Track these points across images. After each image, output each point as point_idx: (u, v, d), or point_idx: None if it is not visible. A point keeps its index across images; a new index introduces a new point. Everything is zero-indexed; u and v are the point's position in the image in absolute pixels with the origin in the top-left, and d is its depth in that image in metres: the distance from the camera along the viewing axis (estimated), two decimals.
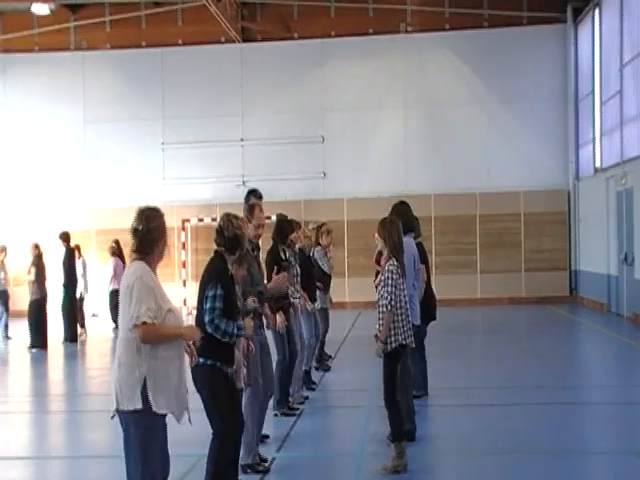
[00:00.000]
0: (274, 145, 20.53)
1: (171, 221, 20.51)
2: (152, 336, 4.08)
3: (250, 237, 7.07)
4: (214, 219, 19.53)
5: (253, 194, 7.40)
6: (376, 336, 6.02)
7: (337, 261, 18.19)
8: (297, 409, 8.41)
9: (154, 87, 20.99)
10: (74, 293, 14.71)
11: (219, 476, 4.98)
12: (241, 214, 6.98)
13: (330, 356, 11.50)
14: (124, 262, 14.85)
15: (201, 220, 20.08)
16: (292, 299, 8.45)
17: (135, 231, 4.22)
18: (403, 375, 6.52)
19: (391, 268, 6.00)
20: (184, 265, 20.06)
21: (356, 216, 19.61)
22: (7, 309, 15.40)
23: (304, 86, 20.64)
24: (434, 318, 8.69)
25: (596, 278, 17.91)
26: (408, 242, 7.00)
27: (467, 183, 19.95)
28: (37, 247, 14.31)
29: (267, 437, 7.15)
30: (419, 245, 7.98)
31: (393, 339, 6.01)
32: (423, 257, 7.97)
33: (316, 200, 20.12)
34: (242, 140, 20.81)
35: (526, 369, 10.76)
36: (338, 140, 20.48)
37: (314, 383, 9.73)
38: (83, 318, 15.60)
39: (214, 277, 5.09)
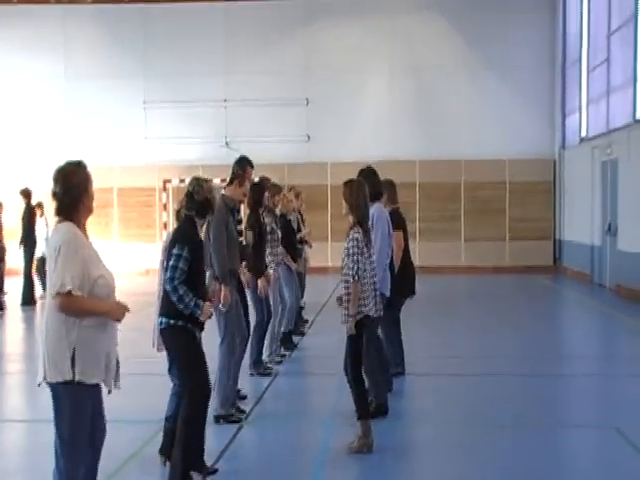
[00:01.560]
0: (258, 107, 20.20)
1: (152, 181, 20.26)
2: (71, 308, 3.86)
3: (238, 200, 7.01)
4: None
5: (247, 162, 7.11)
6: (339, 299, 5.64)
7: (320, 225, 18.07)
8: (272, 369, 8.42)
9: (136, 44, 20.54)
10: (32, 253, 14.07)
11: (190, 433, 4.98)
12: (224, 175, 6.88)
13: (306, 321, 11.46)
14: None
15: (183, 181, 19.71)
16: (270, 264, 8.50)
17: (55, 194, 3.98)
18: (371, 347, 6.23)
19: (356, 236, 5.60)
20: (165, 226, 19.80)
21: (340, 180, 18.94)
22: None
23: (289, 47, 20.29)
24: (413, 292, 8.04)
25: (580, 248, 17.88)
26: (379, 208, 6.73)
27: (453, 150, 19.77)
28: None
29: (245, 397, 7.21)
30: (395, 211, 7.67)
31: (362, 308, 5.61)
32: (398, 224, 7.50)
33: (300, 164, 19.87)
34: (225, 100, 20.45)
35: (507, 339, 10.65)
36: (323, 103, 20.18)
37: (295, 345, 9.76)
38: (44, 280, 15.01)
39: (182, 238, 5.05)
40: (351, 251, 5.57)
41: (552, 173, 19.97)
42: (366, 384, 6.04)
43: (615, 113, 15.88)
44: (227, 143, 20.06)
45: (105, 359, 3.97)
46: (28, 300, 13.96)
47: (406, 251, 7.83)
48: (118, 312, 4.00)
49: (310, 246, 11.41)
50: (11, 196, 16.17)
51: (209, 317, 5.13)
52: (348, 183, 5.83)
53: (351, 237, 5.63)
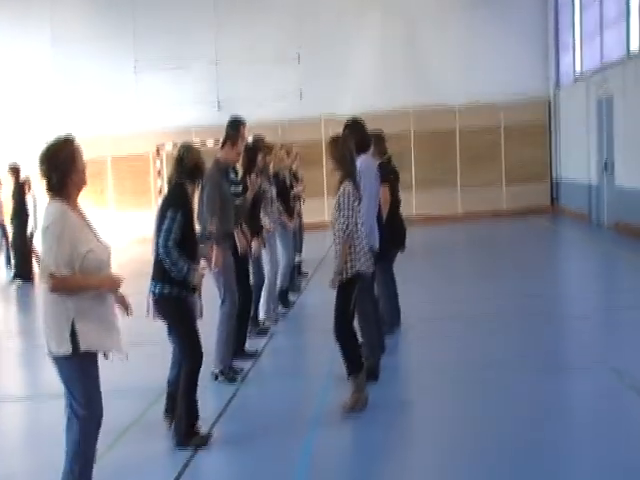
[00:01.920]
0: (249, 65, 19.97)
1: (146, 147, 20.14)
2: (60, 288, 3.92)
3: (232, 161, 7.02)
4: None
5: (239, 122, 7.10)
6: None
7: (315, 181, 17.98)
8: (268, 328, 8.48)
9: (125, 7, 20.17)
10: (24, 229, 13.99)
11: (190, 396, 5.14)
12: (217, 137, 6.89)
13: (306, 274, 11.59)
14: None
15: (176, 145, 19.63)
16: (265, 224, 8.49)
17: (42, 173, 3.98)
18: (365, 305, 6.14)
19: (347, 189, 5.54)
20: (160, 192, 19.75)
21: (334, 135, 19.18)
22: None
23: (278, 3, 19.95)
24: (403, 245, 7.94)
25: (577, 188, 17.82)
26: (366, 160, 6.58)
27: (446, 97, 19.56)
28: None
29: (254, 354, 7.43)
30: (383, 164, 7.54)
31: (349, 265, 5.52)
32: (385, 177, 7.30)
33: (293, 120, 19.72)
34: (216, 62, 20.21)
35: (505, 282, 10.68)
36: (314, 58, 19.92)
37: (292, 302, 9.85)
38: (35, 256, 14.44)
39: (175, 202, 5.10)
40: (342, 205, 5.50)
41: (547, 113, 19.80)
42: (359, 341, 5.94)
43: (609, 49, 15.68)
44: (219, 104, 19.88)
45: (105, 328, 4.03)
46: (23, 274, 13.86)
47: (395, 204, 7.69)
48: (111, 284, 4.06)
49: (303, 201, 11.44)
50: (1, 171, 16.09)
51: (199, 280, 5.17)
52: (333, 139, 5.77)
53: (342, 191, 5.55)
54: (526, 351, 7.11)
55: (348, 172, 5.63)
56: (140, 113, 20.36)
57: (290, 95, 20.01)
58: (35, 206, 14.41)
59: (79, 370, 3.95)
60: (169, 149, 19.75)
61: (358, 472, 4.83)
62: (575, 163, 18.13)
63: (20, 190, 14.03)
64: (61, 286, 3.90)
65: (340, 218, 5.49)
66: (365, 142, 6.61)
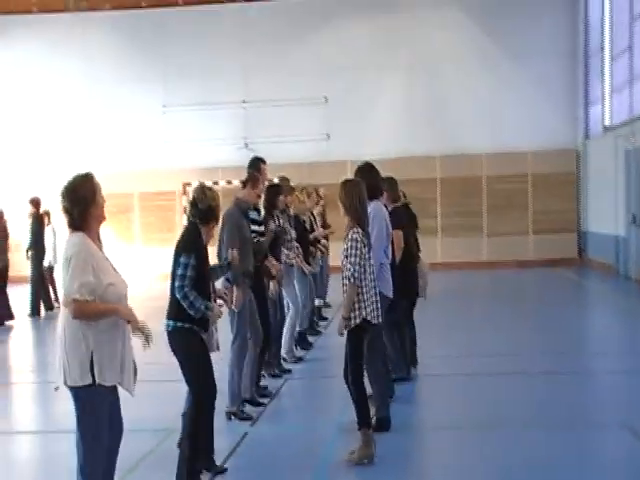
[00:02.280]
0: (276, 107, 20.16)
1: (173, 185, 20.33)
2: (83, 313, 4.03)
3: (253, 202, 7.02)
4: (215, 183, 19.26)
5: (259, 161, 7.35)
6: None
7: (342, 224, 17.95)
8: (287, 370, 8.41)
9: (155, 49, 20.62)
10: (40, 263, 14.08)
11: (196, 432, 5.10)
12: (243, 177, 7.01)
13: (326, 319, 11.48)
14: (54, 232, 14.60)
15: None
16: (287, 262, 8.64)
17: (64, 209, 4.17)
18: (374, 354, 5.98)
19: (355, 236, 5.40)
20: None
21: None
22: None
23: (306, 46, 20.20)
24: (416, 294, 7.72)
25: (605, 239, 17.61)
26: (377, 206, 6.44)
27: (473, 144, 19.57)
28: None
29: (266, 388, 7.49)
30: (396, 210, 7.39)
31: (357, 313, 5.39)
32: (398, 223, 7.13)
33: (319, 162, 19.81)
34: (244, 102, 20.46)
35: (527, 336, 10.45)
36: (342, 101, 20.08)
37: (310, 344, 9.78)
38: (55, 290, 14.56)
39: (188, 246, 5.16)
40: (349, 252, 5.39)
41: (575, 164, 19.70)
42: (369, 392, 5.80)
43: (638, 101, 15.61)
44: (246, 144, 20.07)
45: (120, 361, 4.13)
46: (35, 310, 13.93)
47: (409, 252, 7.49)
48: (128, 311, 4.15)
49: (327, 245, 11.36)
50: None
51: (219, 317, 5.19)
52: (343, 183, 5.66)
53: (350, 237, 5.44)
54: (540, 409, 6.90)
55: (356, 218, 5.50)
56: (168, 151, 20.59)
57: (317, 137, 20.14)
58: (55, 239, 14.62)
59: (94, 403, 4.04)
60: (195, 186, 19.84)
61: None
62: (603, 215, 17.95)
63: (39, 222, 14.12)
64: (84, 311, 4.00)
65: (348, 265, 5.38)
66: (376, 187, 6.46)
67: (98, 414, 4.07)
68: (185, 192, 20.09)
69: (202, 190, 5.31)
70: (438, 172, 19.75)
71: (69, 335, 4.06)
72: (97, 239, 4.22)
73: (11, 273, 15.30)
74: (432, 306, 12.95)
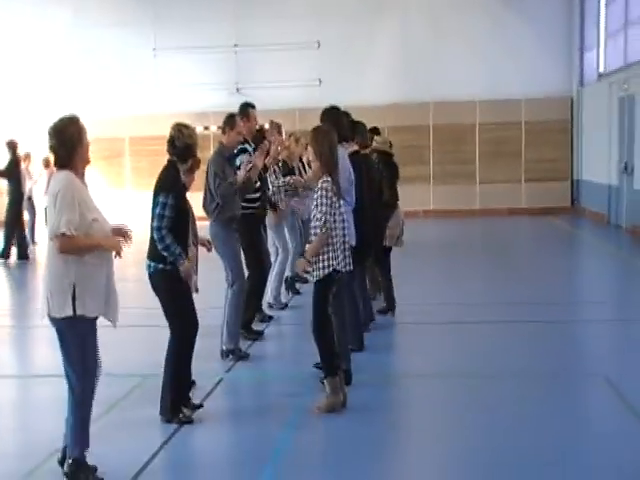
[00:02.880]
0: (268, 51, 19.84)
1: (164, 129, 19.96)
2: (69, 248, 4.18)
3: (234, 145, 7.14)
4: (207, 127, 19.15)
5: (249, 105, 7.74)
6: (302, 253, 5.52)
7: None
8: (270, 317, 8.46)
9: None
10: (18, 205, 14.03)
11: (176, 368, 5.25)
12: None
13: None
14: None
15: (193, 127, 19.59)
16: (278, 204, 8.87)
17: (50, 148, 4.34)
18: (340, 303, 5.92)
19: (324, 185, 5.32)
20: None
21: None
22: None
23: None
24: (381, 241, 7.52)
25: (597, 188, 17.56)
26: (342, 154, 6.19)
27: (467, 91, 19.32)
28: None
29: (261, 334, 7.70)
30: (363, 157, 7.17)
31: (327, 264, 5.32)
32: (363, 171, 6.88)
33: (311, 108, 19.49)
34: (236, 46, 20.14)
35: (514, 285, 10.42)
36: (335, 46, 19.75)
37: (297, 290, 9.89)
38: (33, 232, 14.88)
39: (166, 185, 5.19)
40: (319, 201, 5.32)
41: (569, 112, 19.51)
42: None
43: (633, 47, 15.39)
44: (238, 89, 19.83)
45: (105, 294, 4.30)
46: (5, 253, 13.85)
47: (377, 199, 7.26)
48: (113, 243, 4.31)
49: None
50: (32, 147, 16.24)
51: (188, 277, 5.19)
52: (314, 130, 5.56)
53: (320, 186, 5.36)
54: (519, 358, 6.96)
55: (327, 166, 5.41)
56: (159, 95, 20.35)
57: (309, 82, 19.89)
58: (30, 183, 14.81)
59: (77, 334, 4.21)
60: None
61: (330, 468, 4.70)
62: (596, 163, 17.87)
63: (15, 164, 13.95)
64: (68, 245, 4.14)
65: (318, 215, 5.31)
66: (341, 134, 6.24)
67: (82, 344, 4.22)
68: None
69: (179, 128, 5.28)
70: (431, 119, 19.56)
71: (52, 268, 4.22)
72: (82, 180, 4.35)
73: None
74: (418, 255, 13.04)
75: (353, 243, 6.18)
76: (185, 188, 5.28)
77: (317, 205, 5.34)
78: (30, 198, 15.64)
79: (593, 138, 18.19)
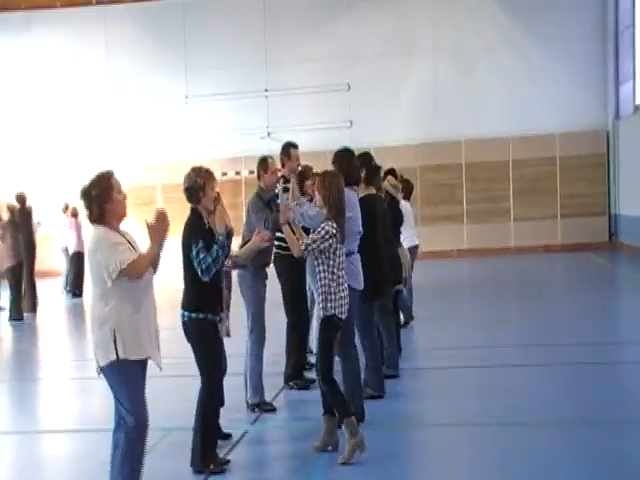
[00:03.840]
0: (299, 95, 20.00)
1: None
2: (139, 270, 4.34)
3: (272, 188, 7.03)
4: (238, 172, 19.24)
5: (291, 144, 7.67)
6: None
7: None
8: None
9: (176, 40, 20.56)
10: (32, 260, 13.73)
11: (207, 423, 5.24)
12: None
13: None
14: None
15: (225, 174, 19.71)
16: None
17: (85, 208, 4.47)
18: (348, 348, 5.84)
19: (327, 228, 5.27)
20: None
21: (384, 165, 18.96)
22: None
23: (329, 33, 19.98)
24: (378, 294, 6.75)
25: (636, 222, 17.13)
26: (348, 195, 5.94)
27: (499, 127, 19.17)
28: (10, 208, 13.34)
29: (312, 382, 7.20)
30: (375, 200, 6.84)
31: (329, 305, 5.33)
32: (378, 213, 6.64)
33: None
34: (266, 90, 20.32)
35: (549, 325, 10.05)
36: (365, 88, 19.83)
37: None
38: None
39: (192, 234, 5.20)
40: (316, 236, 5.27)
41: (605, 145, 19.20)
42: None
43: None
44: (269, 133, 19.94)
45: (147, 336, 4.40)
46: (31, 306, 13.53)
47: (376, 244, 6.73)
48: (157, 229, 4.40)
49: None
50: (53, 197, 16.50)
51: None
52: (323, 175, 5.51)
53: (325, 228, 5.29)
54: (557, 402, 6.63)
55: (333, 211, 5.35)
56: (191, 142, 20.55)
57: (340, 124, 19.92)
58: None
59: (122, 377, 4.32)
60: (218, 177, 19.79)
61: None
62: (635, 196, 17.46)
63: (27, 219, 13.66)
64: (137, 268, 4.31)
65: (309, 241, 5.29)
66: (351, 176, 6.10)
67: (130, 385, 4.34)
68: None
69: (187, 172, 5.30)
70: (463, 157, 19.40)
71: (95, 319, 4.37)
72: (119, 230, 4.48)
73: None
74: (449, 295, 12.78)
75: (361, 287, 6.03)
76: (210, 229, 5.19)
77: (316, 234, 5.30)
78: (67, 249, 15.81)
79: (631, 171, 17.81)
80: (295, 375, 7.34)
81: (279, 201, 7.11)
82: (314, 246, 5.27)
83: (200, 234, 5.16)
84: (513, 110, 19.22)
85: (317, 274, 5.37)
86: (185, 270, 5.22)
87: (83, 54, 20.97)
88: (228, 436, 5.85)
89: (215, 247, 5.05)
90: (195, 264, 5.09)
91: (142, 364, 4.44)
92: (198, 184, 5.20)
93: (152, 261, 4.44)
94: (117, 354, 4.29)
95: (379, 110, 19.73)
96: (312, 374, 7.46)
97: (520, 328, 10.10)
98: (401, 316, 9.79)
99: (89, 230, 4.50)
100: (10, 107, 21.21)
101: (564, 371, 7.65)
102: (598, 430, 5.81)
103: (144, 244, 4.48)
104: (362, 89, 19.84)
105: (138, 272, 4.35)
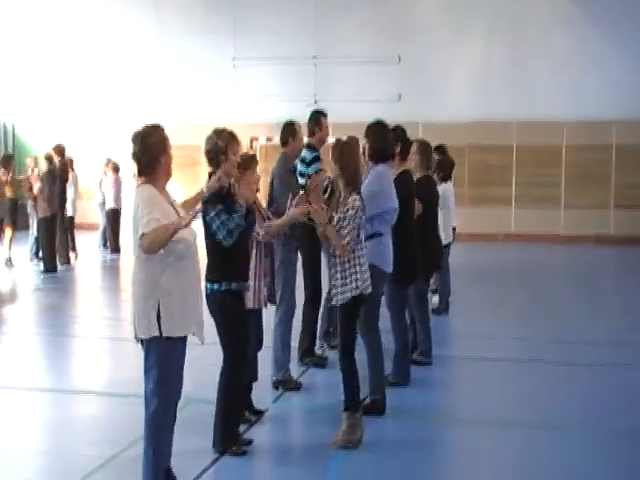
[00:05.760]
0: (348, 64, 19.48)
1: (241, 139, 19.93)
2: (152, 244, 3.94)
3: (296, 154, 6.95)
4: (270, 139, 18.90)
5: (320, 113, 7.58)
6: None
7: None
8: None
9: (226, 2, 20.17)
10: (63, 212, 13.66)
11: (230, 402, 4.97)
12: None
13: None
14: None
15: (270, 139, 19.38)
16: None
17: (133, 154, 4.15)
18: (370, 326, 5.55)
19: (357, 204, 4.98)
20: None
21: (432, 142, 18.46)
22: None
23: (381, 3, 19.34)
24: (411, 278, 6.32)
25: None
26: (383, 170, 5.77)
27: (553, 111, 18.43)
28: (48, 158, 13.17)
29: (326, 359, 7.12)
30: (410, 178, 6.51)
31: (354, 285, 4.98)
32: (406, 194, 6.12)
33: (390, 124, 19.05)
34: (315, 57, 19.85)
35: (590, 322, 9.49)
36: (416, 61, 19.21)
37: None
38: (73, 240, 14.40)
39: (210, 199, 4.82)
40: (348, 222, 4.96)
41: None
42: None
43: None
44: (316, 101, 19.46)
45: (191, 312, 4.12)
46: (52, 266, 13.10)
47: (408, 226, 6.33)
48: (185, 219, 3.98)
49: None
50: (112, 153, 16.52)
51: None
52: (340, 144, 5.19)
53: (352, 205, 4.98)
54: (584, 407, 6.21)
55: (353, 182, 5.10)
56: (236, 105, 20.24)
57: (388, 97, 19.39)
58: (77, 188, 14.80)
59: (163, 356, 4.06)
60: (263, 142, 19.59)
61: None
62: None
63: (63, 171, 13.62)
64: (152, 241, 3.92)
65: (348, 226, 4.98)
66: (384, 150, 5.82)
67: (166, 365, 4.08)
68: (252, 147, 19.75)
69: (208, 135, 4.94)
70: (515, 139, 18.75)
71: (137, 288, 4.09)
72: (165, 193, 4.18)
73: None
74: (489, 282, 12.34)
75: (389, 270, 5.73)
76: (232, 197, 4.83)
77: (344, 225, 4.99)
78: (104, 204, 15.78)
79: None
80: (309, 352, 7.07)
81: (311, 169, 6.90)
82: (352, 233, 5.01)
83: (219, 197, 4.79)
84: (568, 94, 18.45)
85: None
86: (207, 239, 4.88)
87: (132, 14, 20.69)
88: (259, 412, 5.64)
89: (235, 215, 4.72)
90: (214, 227, 4.74)
91: (184, 340, 4.17)
92: (219, 147, 4.84)
93: (167, 234, 3.93)
94: (160, 331, 4.02)
95: (429, 85, 19.13)
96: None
97: (565, 322, 9.57)
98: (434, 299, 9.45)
99: (133, 188, 4.20)
100: (59, 63, 21.10)
101: (600, 372, 7.20)
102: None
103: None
104: (413, 63, 19.24)
105: (150, 245, 3.94)
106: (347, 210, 4.98)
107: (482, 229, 18.16)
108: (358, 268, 5.02)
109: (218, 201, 4.77)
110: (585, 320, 9.53)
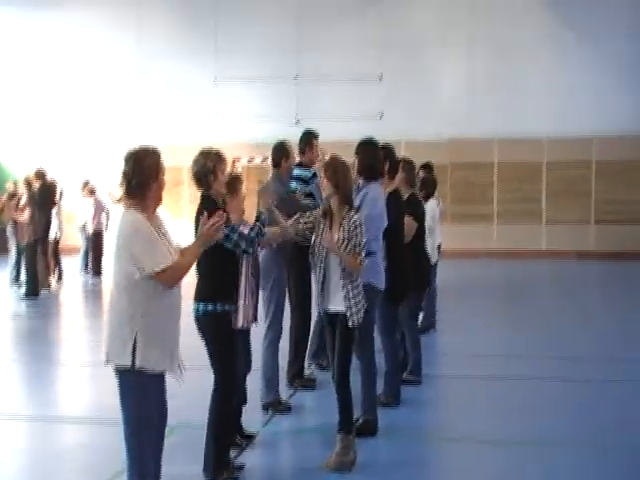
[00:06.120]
0: (329, 83, 19.57)
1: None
2: (176, 277, 3.90)
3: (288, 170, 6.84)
4: (266, 158, 18.83)
5: (312, 134, 7.37)
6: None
7: None
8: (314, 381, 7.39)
9: (207, 22, 20.19)
10: (46, 237, 13.47)
11: (221, 428, 4.86)
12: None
13: None
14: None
15: (252, 160, 19.41)
16: None
17: (124, 174, 3.93)
18: (365, 346, 5.53)
19: (360, 221, 4.97)
20: None
21: (414, 160, 18.53)
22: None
23: (362, 22, 19.48)
24: (402, 296, 6.28)
25: None
26: (376, 189, 5.75)
27: (534, 128, 18.61)
28: (27, 183, 13.12)
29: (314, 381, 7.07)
30: (399, 196, 6.47)
31: (360, 306, 4.97)
32: (396, 212, 6.13)
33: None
34: (297, 77, 19.92)
35: (575, 336, 9.51)
36: (397, 79, 19.34)
37: None
38: (59, 263, 14.38)
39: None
40: (359, 238, 4.94)
41: None
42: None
43: None
44: (297, 121, 19.52)
45: (170, 347, 3.94)
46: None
47: (399, 244, 6.34)
48: (209, 233, 3.99)
49: None
50: (93, 176, 16.40)
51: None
52: (334, 162, 5.15)
53: (356, 223, 4.94)
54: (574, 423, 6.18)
55: (348, 200, 5.07)
56: (219, 125, 20.23)
57: (370, 115, 19.47)
58: (60, 210, 14.59)
59: (135, 388, 3.86)
60: (244, 162, 19.55)
61: None
62: None
63: (47, 195, 13.37)
64: (176, 275, 3.87)
65: (355, 248, 4.94)
66: (374, 168, 5.79)
67: (140, 399, 3.89)
68: (234, 167, 19.70)
69: (195, 156, 4.85)
70: (496, 156, 18.87)
71: (115, 313, 3.89)
72: (155, 220, 4.01)
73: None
74: (473, 298, 12.33)
75: (382, 287, 5.71)
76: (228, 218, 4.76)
77: (356, 243, 4.96)
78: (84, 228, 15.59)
79: None
80: (299, 374, 6.98)
81: (309, 188, 6.89)
82: (364, 249, 5.03)
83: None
84: (550, 110, 18.65)
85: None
86: (200, 260, 4.65)
87: (114, 32, 20.68)
88: (250, 437, 5.54)
89: (257, 224, 4.87)
90: (230, 245, 4.71)
91: (160, 377, 3.98)
92: (208, 167, 4.78)
93: (190, 268, 3.97)
94: (133, 362, 3.82)
95: (411, 103, 19.25)
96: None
97: (553, 338, 9.55)
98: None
99: (119, 212, 4.02)
100: (38, 84, 20.99)
101: (589, 388, 7.17)
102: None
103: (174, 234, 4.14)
104: (395, 80, 19.37)
105: (173, 281, 3.90)
106: (356, 229, 4.95)
107: (465, 246, 18.21)
108: (361, 287, 5.02)
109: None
110: (573, 336, 9.53)
